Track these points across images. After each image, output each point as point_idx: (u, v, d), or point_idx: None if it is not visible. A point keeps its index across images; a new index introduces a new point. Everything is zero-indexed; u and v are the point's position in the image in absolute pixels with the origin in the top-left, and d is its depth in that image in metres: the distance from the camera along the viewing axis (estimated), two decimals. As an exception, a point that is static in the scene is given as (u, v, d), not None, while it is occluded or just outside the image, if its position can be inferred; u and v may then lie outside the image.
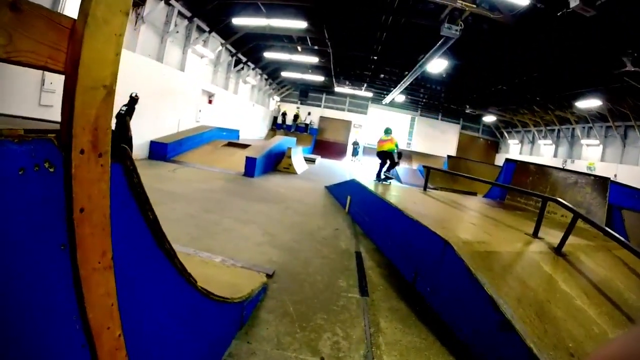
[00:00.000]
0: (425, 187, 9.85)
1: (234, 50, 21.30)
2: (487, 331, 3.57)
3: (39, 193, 1.08)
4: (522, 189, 9.05)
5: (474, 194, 12.85)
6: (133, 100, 11.37)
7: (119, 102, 10.39)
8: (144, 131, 13.16)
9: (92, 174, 1.20)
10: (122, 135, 11.22)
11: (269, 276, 4.73)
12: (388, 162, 11.82)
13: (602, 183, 8.60)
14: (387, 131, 12.37)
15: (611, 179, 8.85)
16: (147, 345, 1.79)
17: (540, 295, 3.99)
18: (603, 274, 5.01)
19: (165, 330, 1.99)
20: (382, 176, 11.66)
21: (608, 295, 4.42)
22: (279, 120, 34.62)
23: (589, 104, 19.86)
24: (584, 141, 25.60)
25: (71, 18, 1.13)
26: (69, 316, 1.24)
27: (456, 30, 12.37)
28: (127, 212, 1.46)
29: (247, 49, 21.66)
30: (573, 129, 26.63)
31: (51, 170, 1.10)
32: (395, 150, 11.80)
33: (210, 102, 19.59)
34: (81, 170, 1.16)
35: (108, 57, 1.20)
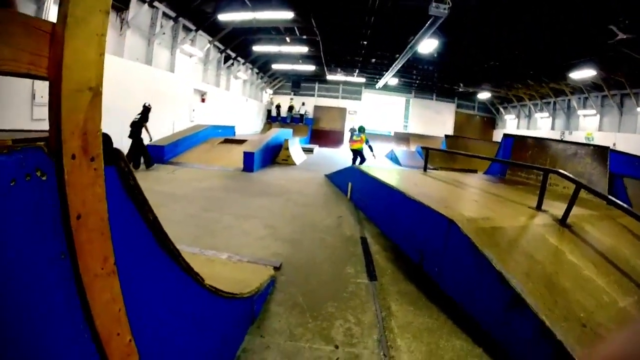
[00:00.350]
0: (425, 168, 9.83)
1: (222, 47, 21.23)
2: (498, 307, 3.56)
3: (33, 203, 1.06)
4: (522, 163, 9.04)
5: (474, 171, 12.85)
6: (146, 110, 11.93)
7: (113, 109, 10.35)
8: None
9: (86, 178, 1.18)
10: (138, 144, 11.90)
11: (276, 269, 4.72)
12: (359, 158, 14.47)
13: (601, 152, 8.59)
14: (361, 129, 15.29)
15: (610, 147, 8.83)
16: (160, 348, 1.78)
17: (548, 268, 3.98)
18: (609, 243, 5.00)
19: (177, 331, 1.98)
20: None
21: (615, 264, 4.42)
22: (274, 113, 34.56)
23: (584, 74, 19.81)
24: (580, 112, 25.61)
25: (50, 22, 1.11)
26: (77, 326, 1.23)
27: (444, 9, 12.28)
28: (125, 215, 1.44)
29: (236, 44, 21.57)
30: (569, 100, 26.63)
31: (43, 178, 1.07)
32: (363, 148, 14.51)
33: (203, 100, 19.55)
34: (74, 175, 1.13)
35: (91, 58, 1.17)
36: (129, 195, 1.45)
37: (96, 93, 1.18)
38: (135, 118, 11.86)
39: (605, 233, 5.30)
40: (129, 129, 11.63)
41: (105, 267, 1.28)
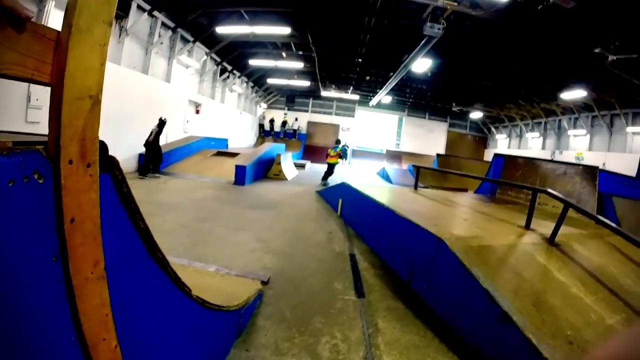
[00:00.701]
0: (415, 186, 9.88)
1: (219, 59, 21.31)
2: (486, 325, 3.58)
3: (29, 204, 1.08)
4: (511, 182, 9.11)
5: (465, 190, 12.91)
6: (162, 123, 12.92)
7: (108, 116, 10.35)
8: (132, 144, 13.11)
9: (81, 183, 1.20)
10: (156, 156, 12.94)
11: (264, 283, 4.73)
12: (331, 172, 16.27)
13: (590, 172, 8.67)
14: (337, 142, 17.36)
15: (600, 167, 8.93)
16: (144, 356, 1.78)
17: (536, 286, 4.01)
18: (597, 261, 5.05)
19: (162, 340, 1.98)
20: (325, 180, 16.00)
21: (603, 282, 4.46)
22: (267, 127, 34.60)
23: (574, 95, 20.02)
24: (571, 132, 25.91)
25: (55, 30, 1.14)
26: (64, 328, 1.24)
27: (439, 29, 12.45)
28: (117, 222, 1.46)
29: (232, 57, 21.66)
30: (559, 120, 26.95)
31: (40, 181, 1.10)
32: (339, 162, 16.96)
33: (197, 112, 19.55)
34: (70, 180, 1.16)
35: (93, 67, 1.20)
36: (122, 202, 1.48)
37: (96, 101, 1.22)
38: (154, 129, 12.98)
39: (594, 252, 5.35)
40: (147, 137, 12.85)
41: (95, 272, 1.29)
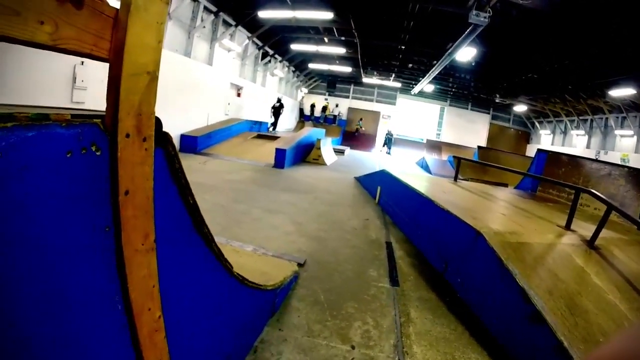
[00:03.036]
0: (455, 178, 9.76)
1: (260, 44, 21.41)
2: (517, 323, 3.53)
3: (86, 175, 1.12)
4: (554, 179, 8.89)
5: (505, 185, 12.68)
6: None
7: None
8: (174, 125, 13.38)
9: (137, 157, 1.24)
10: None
11: (300, 265, 4.78)
12: None
13: (636, 175, 8.37)
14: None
15: (646, 170, 8.61)
16: (185, 328, 1.84)
17: (571, 288, 3.93)
18: (636, 269, 4.89)
19: (202, 314, 2.04)
20: None
21: (640, 291, 4.34)
22: (308, 112, 34.64)
23: (623, 92, 19.25)
24: (617, 132, 24.91)
25: (114, 7, 1.17)
26: (112, 297, 1.28)
27: (484, 18, 12.12)
28: (168, 196, 1.50)
29: (274, 42, 21.73)
30: (606, 118, 25.93)
31: (98, 153, 1.14)
32: None
33: (238, 95, 19.75)
34: (126, 153, 1.20)
35: (150, 44, 1.24)
36: (173, 177, 1.52)
37: (153, 77, 1.25)
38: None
39: (634, 259, 5.19)
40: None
41: (145, 244, 1.34)
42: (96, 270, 1.22)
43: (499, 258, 3.94)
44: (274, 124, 22.51)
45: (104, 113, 1.17)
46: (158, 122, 1.33)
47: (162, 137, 1.39)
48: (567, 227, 5.60)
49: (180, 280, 1.72)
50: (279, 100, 22.07)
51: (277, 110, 22.43)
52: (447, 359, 3.46)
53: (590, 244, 5.04)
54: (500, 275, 3.84)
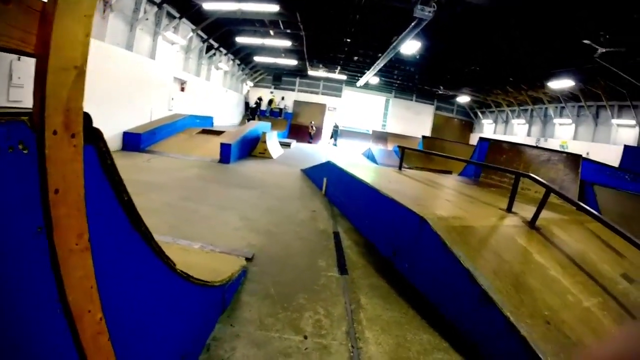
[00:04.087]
0: (400, 167, 9.95)
1: (205, 36, 20.99)
2: (465, 303, 3.67)
3: (14, 174, 1.08)
4: (495, 166, 9.20)
5: (449, 172, 13.01)
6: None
7: (90, 92, 10.15)
8: (117, 122, 12.93)
9: (66, 154, 1.21)
10: None
11: (248, 259, 4.76)
12: None
13: (574, 160, 8.80)
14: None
15: (583, 156, 9.07)
16: (129, 330, 1.80)
17: (515, 267, 4.11)
18: (576, 246, 5.15)
19: (147, 314, 2.00)
20: None
21: (582, 266, 4.57)
22: (254, 106, 34.32)
23: (562, 84, 20.14)
24: (556, 120, 26.15)
25: (41, 1, 1.13)
26: (50, 300, 1.25)
27: (429, 12, 12.33)
28: (101, 194, 1.46)
29: (219, 35, 21.35)
30: (546, 108, 27.13)
31: (25, 151, 1.10)
32: None
33: (182, 89, 19.30)
34: (54, 150, 1.16)
35: (78, 38, 1.20)
36: (105, 174, 1.48)
37: (81, 72, 1.21)
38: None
39: (574, 237, 5.46)
40: None
41: (79, 243, 1.30)
42: (30, 273, 1.18)
43: (443, 242, 4.06)
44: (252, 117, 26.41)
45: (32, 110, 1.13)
46: (87, 118, 1.29)
47: (93, 134, 1.35)
48: (509, 210, 5.83)
49: (120, 280, 1.69)
50: (259, 99, 22.69)
51: (253, 110, 25.68)
52: (400, 341, 3.56)
53: (532, 224, 5.28)
54: (446, 259, 3.97)
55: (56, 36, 1.12)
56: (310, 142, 24.57)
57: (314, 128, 30.99)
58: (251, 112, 28.11)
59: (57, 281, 1.25)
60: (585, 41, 13.62)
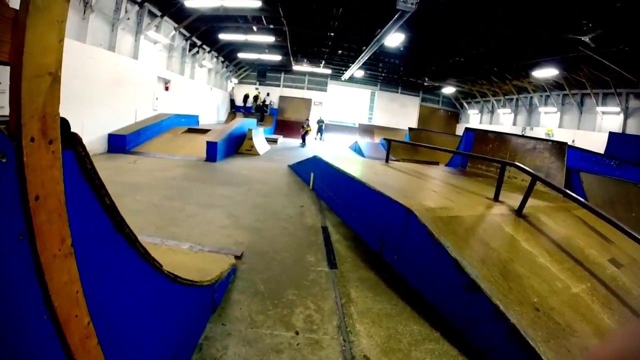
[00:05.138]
0: (387, 159, 9.99)
1: (188, 34, 20.84)
2: (454, 293, 3.71)
3: (-6, 184, 1.08)
4: (480, 155, 9.28)
5: (436, 163, 13.08)
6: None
7: (73, 96, 10.06)
8: (101, 124, 12.80)
9: (44, 161, 1.21)
10: None
11: (237, 257, 4.77)
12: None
13: (559, 148, 8.89)
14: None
15: (569, 143, 9.17)
16: (118, 332, 1.80)
17: (503, 255, 4.15)
18: (564, 233, 5.22)
19: (136, 316, 2.00)
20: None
21: (569, 252, 4.63)
22: (240, 103, 34.10)
23: (546, 73, 20.34)
24: (542, 109, 26.45)
25: (13, 9, 1.13)
26: (36, 306, 1.25)
27: (412, 4, 12.32)
28: (82, 198, 1.46)
29: (202, 32, 21.20)
30: (531, 97, 27.40)
31: (3, 160, 1.10)
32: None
33: (166, 88, 19.13)
34: (32, 157, 1.16)
35: (51, 44, 1.20)
36: (86, 178, 1.48)
37: (55, 78, 1.21)
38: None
39: (561, 224, 5.53)
40: None
41: (62, 249, 1.30)
42: (15, 280, 1.18)
43: (430, 233, 4.10)
44: (261, 119, 28.67)
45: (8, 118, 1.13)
46: (65, 123, 1.29)
47: (71, 138, 1.35)
48: (496, 199, 5.88)
49: (106, 283, 1.69)
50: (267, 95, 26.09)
51: (260, 108, 28.69)
52: (391, 333, 3.59)
53: (519, 212, 5.34)
54: (433, 249, 4.01)
55: (29, 43, 1.12)
56: (303, 143, 24.00)
57: (309, 126, 29.85)
58: (257, 109, 31.03)
59: (42, 287, 1.25)
60: (570, 34, 13.74)
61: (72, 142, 1.37)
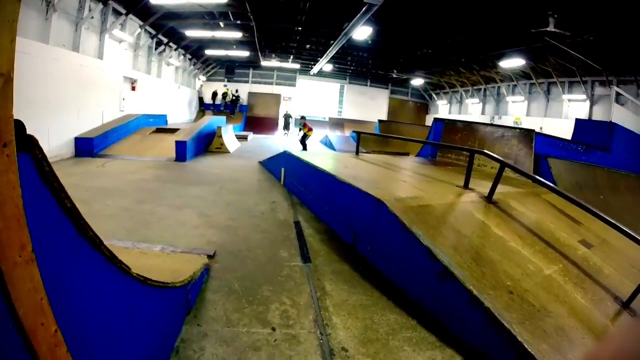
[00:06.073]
0: (357, 152, 10.04)
1: (154, 32, 20.48)
2: (429, 280, 3.76)
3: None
4: (449, 144, 9.40)
5: (407, 154, 13.23)
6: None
7: (36, 99, 9.79)
8: (68, 128, 12.47)
9: (-1, 165, 1.17)
10: None
11: (210, 257, 4.74)
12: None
13: (527, 135, 9.09)
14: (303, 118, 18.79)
15: (536, 130, 9.36)
16: (88, 338, 1.76)
17: (475, 242, 4.23)
18: (534, 217, 5.34)
19: (106, 321, 1.96)
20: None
21: (540, 236, 4.75)
22: (209, 100, 33.74)
23: (513, 63, 20.78)
24: (509, 98, 26.95)
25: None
26: (0, 316, 1.21)
27: (379, -3, 12.37)
28: (41, 202, 1.42)
29: (168, 29, 20.87)
30: (499, 87, 27.90)
31: (-46, 167, 1.06)
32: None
33: (133, 88, 18.78)
34: (-15, 162, 1.12)
35: (3, 45, 1.16)
36: (44, 182, 1.43)
37: (7, 79, 1.17)
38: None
39: (531, 208, 5.66)
40: None
41: (23, 255, 1.26)
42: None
43: (402, 223, 4.15)
44: (232, 112, 30.98)
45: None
46: (20, 126, 1.25)
47: (27, 141, 1.31)
48: (466, 186, 5.99)
49: (72, 289, 1.65)
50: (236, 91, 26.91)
51: (233, 101, 29.85)
52: (367, 323, 3.62)
53: (489, 199, 5.44)
54: (405, 238, 4.06)
55: (-23, 44, 1.08)
56: (304, 149, 22.90)
57: (308, 127, 23.62)
58: (231, 102, 32.03)
59: (4, 296, 1.21)
60: (535, 24, 13.99)
61: (28, 145, 1.32)
